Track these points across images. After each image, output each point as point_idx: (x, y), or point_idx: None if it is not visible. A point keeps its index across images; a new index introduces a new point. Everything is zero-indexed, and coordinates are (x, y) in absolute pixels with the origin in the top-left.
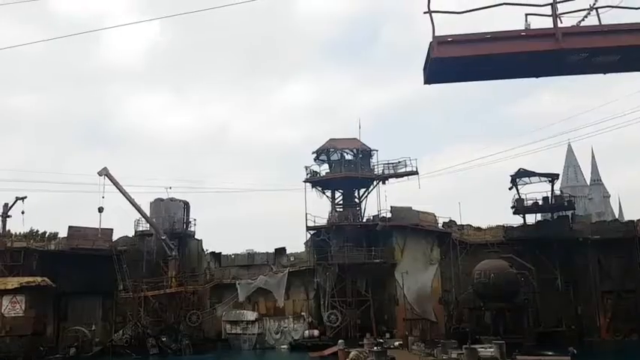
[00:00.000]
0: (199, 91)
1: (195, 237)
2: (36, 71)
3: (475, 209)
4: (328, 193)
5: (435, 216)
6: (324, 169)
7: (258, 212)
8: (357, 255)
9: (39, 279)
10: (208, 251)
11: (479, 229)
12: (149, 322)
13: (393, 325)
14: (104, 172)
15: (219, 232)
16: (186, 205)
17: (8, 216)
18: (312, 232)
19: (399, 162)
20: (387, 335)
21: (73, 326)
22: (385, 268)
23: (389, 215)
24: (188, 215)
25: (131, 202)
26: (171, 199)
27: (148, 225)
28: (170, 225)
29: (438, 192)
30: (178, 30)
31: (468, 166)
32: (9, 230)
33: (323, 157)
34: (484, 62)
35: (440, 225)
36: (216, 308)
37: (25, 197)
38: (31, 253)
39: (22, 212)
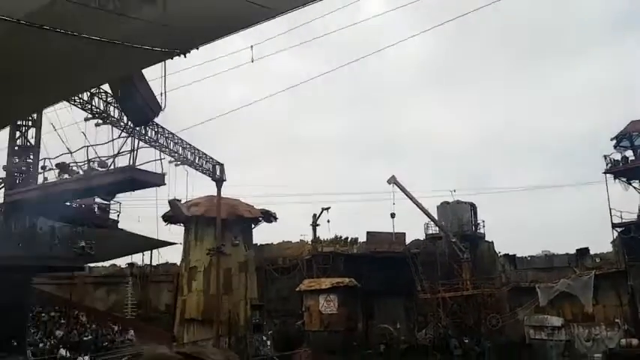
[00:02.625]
0: (477, 90)
1: (486, 239)
2: (326, 97)
3: None
4: (636, 183)
5: None
6: (628, 157)
7: (549, 210)
8: None
9: (347, 280)
10: (501, 253)
11: None
12: (449, 323)
13: None
14: (392, 181)
15: (510, 233)
16: (473, 206)
17: (317, 225)
18: (619, 229)
19: None
20: None
21: (380, 324)
22: None
23: None
24: (476, 217)
25: (419, 207)
26: (457, 202)
27: (438, 228)
28: (459, 227)
29: None
30: (447, 35)
31: None
32: (318, 237)
33: (625, 142)
34: None
35: None
36: (516, 312)
37: (329, 208)
38: (338, 256)
39: (328, 221)
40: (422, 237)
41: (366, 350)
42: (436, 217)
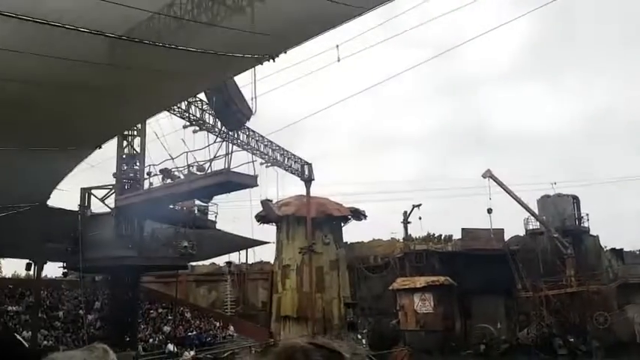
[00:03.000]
0: (576, 75)
1: (590, 233)
2: (413, 92)
3: None
4: None
5: None
6: None
7: None
8: None
9: (442, 278)
10: (607, 248)
11: None
12: (553, 322)
13: None
14: (488, 174)
15: (616, 227)
16: (576, 199)
17: (408, 222)
18: None
19: None
20: None
21: (479, 324)
22: None
23: None
24: (579, 210)
25: (518, 201)
26: (559, 195)
27: (538, 223)
28: (560, 222)
29: None
30: (544, 19)
31: None
32: (410, 234)
33: None
34: None
35: None
36: (625, 309)
37: (420, 204)
38: (431, 254)
39: (420, 218)
40: (521, 233)
41: (465, 350)
42: (536, 212)
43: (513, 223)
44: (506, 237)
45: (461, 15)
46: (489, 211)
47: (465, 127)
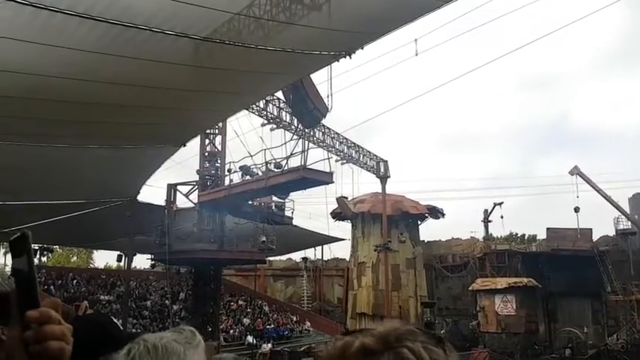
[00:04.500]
0: None
1: None
2: (493, 88)
3: None
4: None
5: None
6: None
7: None
8: None
9: (525, 279)
10: None
11: None
12: None
13: None
14: (575, 171)
15: None
16: None
17: (489, 221)
18: None
19: None
20: None
21: (564, 327)
22: None
23: None
24: None
25: (607, 200)
26: None
27: (630, 223)
28: None
29: None
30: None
31: None
32: (491, 234)
33: None
34: None
35: None
36: None
37: (502, 202)
38: (513, 254)
39: (501, 217)
40: (611, 233)
41: (550, 354)
42: (628, 211)
43: (602, 223)
44: (595, 237)
45: (546, 4)
46: (577, 209)
47: (549, 122)
